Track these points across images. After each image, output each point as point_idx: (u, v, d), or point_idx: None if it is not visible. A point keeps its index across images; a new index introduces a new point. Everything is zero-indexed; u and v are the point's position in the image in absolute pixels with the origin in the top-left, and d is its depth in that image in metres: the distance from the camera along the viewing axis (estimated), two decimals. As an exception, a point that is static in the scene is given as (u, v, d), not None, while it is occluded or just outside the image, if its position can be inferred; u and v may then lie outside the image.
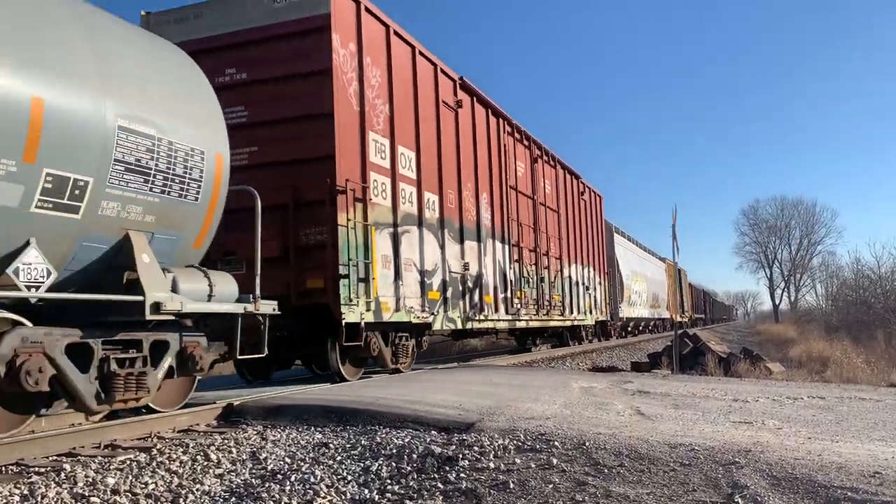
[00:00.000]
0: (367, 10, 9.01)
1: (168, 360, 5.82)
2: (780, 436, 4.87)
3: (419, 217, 10.08)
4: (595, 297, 21.14)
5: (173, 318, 5.68)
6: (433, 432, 5.16)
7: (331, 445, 4.91)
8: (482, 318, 12.01)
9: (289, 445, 5.02)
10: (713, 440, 4.56)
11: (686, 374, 13.24)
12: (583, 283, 19.51)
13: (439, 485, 3.81)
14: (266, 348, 6.65)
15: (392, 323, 9.17)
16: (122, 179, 5.24)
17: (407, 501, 3.61)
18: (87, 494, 3.82)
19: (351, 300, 8.05)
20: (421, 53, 10.48)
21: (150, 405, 6.00)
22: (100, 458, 4.70)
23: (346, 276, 7.99)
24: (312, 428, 5.63)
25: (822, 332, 32.21)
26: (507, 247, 13.46)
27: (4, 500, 3.72)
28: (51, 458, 4.68)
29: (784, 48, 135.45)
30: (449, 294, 10.78)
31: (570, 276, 18.14)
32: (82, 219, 5.04)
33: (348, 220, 8.17)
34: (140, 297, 5.28)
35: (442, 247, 10.72)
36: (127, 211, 5.37)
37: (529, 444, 4.57)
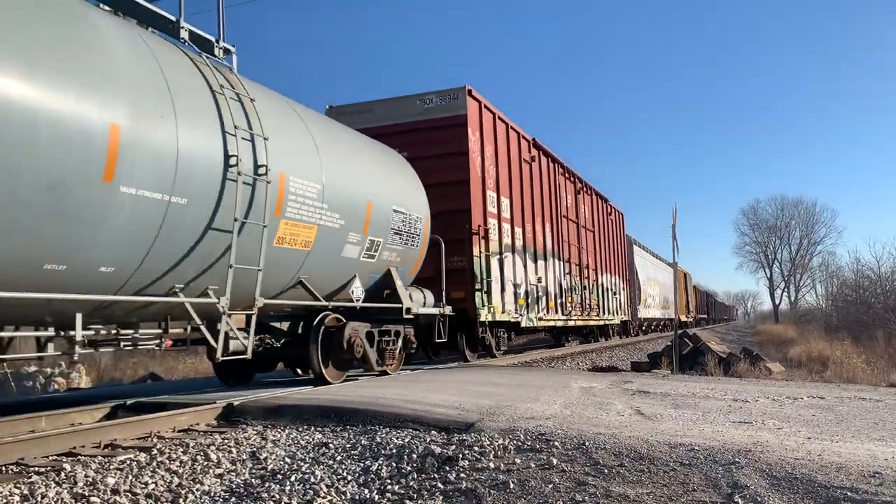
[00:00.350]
0: (485, 106, 13.10)
1: (400, 342, 9.60)
2: (780, 436, 4.87)
3: (512, 246, 14.02)
4: (620, 300, 25.10)
5: (412, 316, 9.51)
6: (433, 432, 5.16)
7: (331, 445, 4.91)
8: (548, 318, 16.44)
9: (289, 445, 5.02)
10: (713, 440, 4.57)
11: (686, 374, 13.25)
12: (611, 289, 23.47)
13: (439, 485, 3.81)
14: (446, 335, 10.86)
15: (500, 322, 13.24)
16: (391, 239, 9.11)
17: (407, 501, 3.61)
18: (87, 494, 3.82)
19: (482, 306, 12.04)
20: (511, 127, 14.57)
21: (387, 370, 9.38)
22: (100, 457, 4.70)
23: (479, 290, 12.00)
24: (312, 428, 5.64)
25: (822, 332, 32.22)
26: (560, 263, 17.68)
27: (4, 500, 3.72)
28: (51, 458, 4.68)
29: (784, 48, 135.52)
30: (529, 301, 14.93)
31: (602, 284, 22.12)
32: (375, 262, 8.94)
33: (478, 252, 12.20)
34: (400, 304, 9.20)
35: (525, 267, 14.74)
36: (391, 256, 9.24)
37: (529, 444, 4.57)
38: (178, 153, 5.62)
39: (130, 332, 6.12)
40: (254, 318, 6.93)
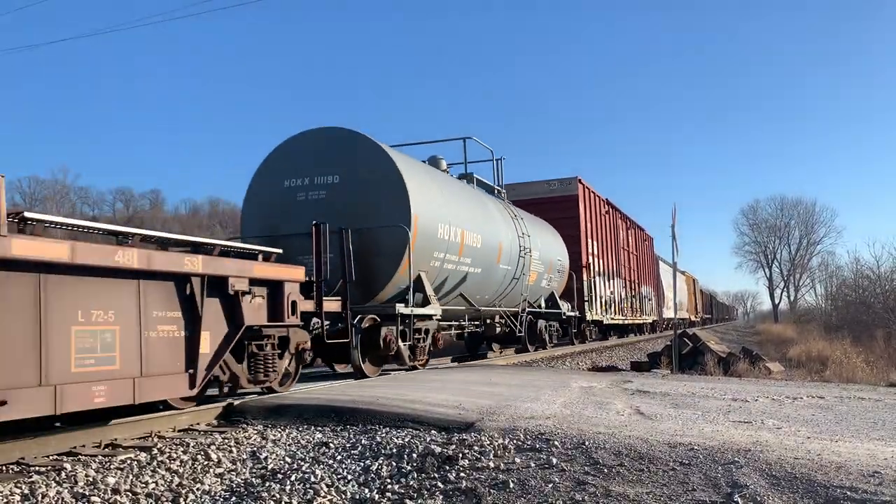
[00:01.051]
0: (586, 187, 22.09)
1: (559, 329, 19.05)
2: (780, 435, 4.88)
3: (598, 272, 22.64)
4: (652, 304, 34.51)
5: (565, 316, 18.86)
6: (433, 432, 5.17)
7: (331, 445, 4.92)
8: (617, 318, 25.60)
9: (289, 445, 5.03)
10: (713, 440, 4.57)
11: (686, 373, 13.24)
12: (647, 297, 32.91)
13: (439, 484, 3.82)
14: (575, 328, 20.60)
15: (595, 320, 22.31)
16: (555, 275, 18.00)
17: (407, 501, 3.61)
18: (87, 494, 3.82)
19: (588, 310, 20.95)
20: (597, 195, 23.56)
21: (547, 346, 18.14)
22: (100, 457, 4.70)
23: (587, 301, 20.94)
24: (313, 427, 5.64)
25: (822, 332, 32.23)
26: (620, 280, 26.60)
27: (5, 500, 3.73)
28: (51, 458, 4.68)
29: (784, 48, 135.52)
30: (607, 307, 24.04)
31: (641, 293, 31.25)
32: (549, 287, 17.85)
33: (585, 277, 20.82)
34: (560, 310, 18.23)
35: (604, 285, 23.60)
36: (553, 283, 18.08)
37: (529, 443, 4.57)
38: (511, 247, 14.36)
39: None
40: (523, 315, 15.77)
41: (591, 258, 21.58)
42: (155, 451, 4.89)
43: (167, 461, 4.57)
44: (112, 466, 4.45)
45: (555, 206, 20.10)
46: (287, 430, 5.57)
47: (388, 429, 5.38)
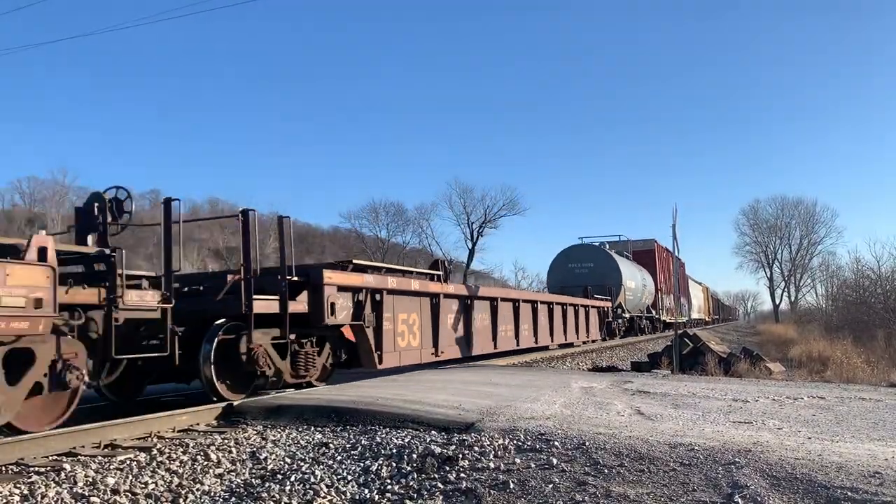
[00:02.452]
0: (657, 244, 37.14)
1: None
2: (780, 436, 4.87)
3: (664, 291, 37.17)
4: (685, 309, 45.73)
5: (665, 320, 37.13)
6: (433, 432, 5.16)
7: (331, 445, 4.91)
8: (671, 318, 35.63)
9: (289, 445, 5.02)
10: (713, 440, 4.56)
11: (686, 374, 13.23)
12: (683, 304, 43.75)
13: (439, 485, 3.81)
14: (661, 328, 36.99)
15: (662, 320, 36.86)
16: (649, 295, 34.23)
17: (407, 501, 3.61)
18: (87, 494, 3.82)
19: (658, 314, 36.70)
20: (662, 246, 36.68)
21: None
22: (100, 457, 4.70)
23: (659, 309, 36.78)
24: (312, 428, 5.64)
25: (823, 332, 32.23)
26: (672, 295, 37.13)
27: (4, 500, 3.73)
28: (51, 458, 4.68)
29: (784, 48, 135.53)
30: (668, 311, 37.21)
31: (680, 301, 40.74)
32: (644, 300, 33.70)
33: (657, 296, 36.90)
34: (653, 314, 35.93)
35: (665, 298, 37.82)
36: (648, 300, 34.22)
37: (529, 444, 4.57)
38: (637, 282, 31.06)
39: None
40: (642, 315, 33.12)
41: (660, 284, 36.01)
42: (154, 451, 4.88)
43: (167, 461, 4.56)
44: (111, 467, 4.45)
45: (642, 255, 35.36)
46: (287, 431, 5.56)
47: (388, 429, 5.38)
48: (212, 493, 3.88)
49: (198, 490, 3.93)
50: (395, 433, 5.20)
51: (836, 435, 5.00)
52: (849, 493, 3.34)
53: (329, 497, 3.72)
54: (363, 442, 4.94)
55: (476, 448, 4.49)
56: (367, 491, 3.81)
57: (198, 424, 5.91)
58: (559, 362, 16.20)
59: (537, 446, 4.49)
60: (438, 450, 4.46)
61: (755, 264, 79.70)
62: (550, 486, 3.68)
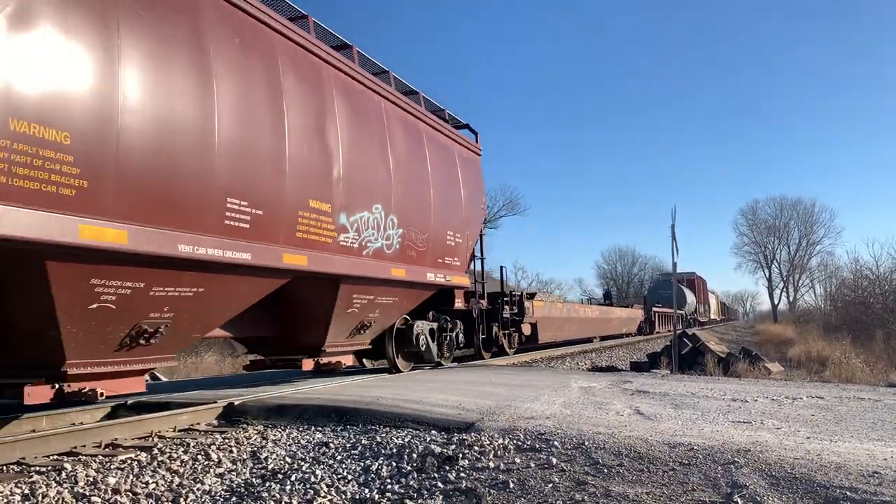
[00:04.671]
0: (697, 274, 62.77)
1: None
2: (779, 435, 4.88)
3: (702, 301, 62.86)
4: (708, 312, 64.93)
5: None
6: (433, 432, 5.17)
7: (331, 445, 4.92)
8: (705, 318, 63.02)
9: (289, 445, 5.03)
10: (712, 440, 4.58)
11: (685, 373, 13.25)
12: (706, 310, 64.60)
13: (439, 484, 3.82)
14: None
15: (702, 321, 59.82)
16: (699, 306, 61.44)
17: (407, 501, 3.62)
18: (87, 494, 3.83)
19: (699, 316, 59.82)
20: (699, 276, 63.47)
21: None
22: (101, 457, 4.71)
23: (699, 314, 59.41)
24: (313, 427, 5.65)
25: (821, 333, 32.24)
26: (704, 304, 63.66)
27: (5, 500, 3.73)
28: (52, 458, 4.69)
29: (784, 47, 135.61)
30: (703, 313, 62.35)
31: (704, 306, 63.14)
32: (702, 310, 63.74)
33: (699, 306, 61.04)
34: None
35: (702, 307, 62.63)
36: (701, 309, 62.89)
37: (529, 443, 4.58)
38: (693, 300, 60.07)
39: None
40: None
41: (698, 298, 56.79)
42: (155, 451, 4.89)
43: (167, 461, 4.57)
44: (112, 466, 4.46)
45: (688, 281, 55.36)
46: (287, 430, 5.57)
47: (388, 429, 5.39)
48: (212, 493, 3.88)
49: (198, 490, 3.94)
50: (395, 433, 5.21)
51: (835, 435, 5.01)
52: (848, 493, 3.36)
53: (329, 496, 3.73)
54: (363, 441, 4.95)
55: (476, 448, 4.50)
56: (367, 490, 3.82)
57: (198, 424, 5.92)
58: (559, 362, 16.21)
59: (537, 446, 4.50)
60: (438, 449, 4.47)
61: (754, 264, 79.88)
62: (550, 485, 3.69)
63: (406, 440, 4.90)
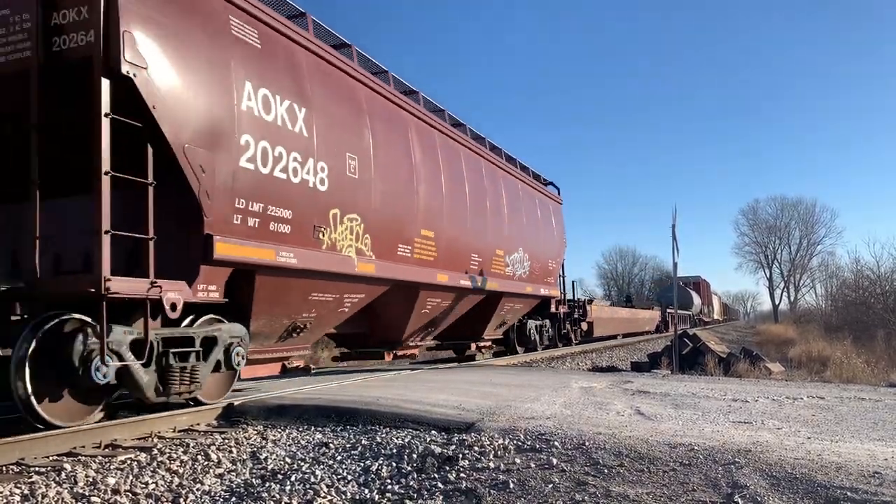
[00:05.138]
0: (701, 278, 73.12)
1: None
2: (780, 436, 4.87)
3: (707, 303, 73.72)
4: (714, 312, 77.19)
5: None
6: (433, 432, 5.17)
7: (331, 445, 4.92)
8: (713, 318, 76.35)
9: (289, 445, 5.03)
10: (713, 440, 4.57)
11: (686, 374, 13.24)
12: (712, 310, 75.63)
13: (439, 484, 3.82)
14: None
15: (712, 319, 75.82)
16: (703, 307, 70.98)
17: (407, 501, 3.61)
18: (87, 494, 3.82)
19: (705, 316, 70.41)
20: (704, 279, 76.43)
21: None
22: (100, 457, 4.70)
23: (705, 314, 72.10)
24: (313, 428, 5.64)
25: (822, 333, 32.22)
26: (709, 305, 74.47)
27: (5, 500, 3.73)
28: (51, 458, 4.68)
29: (784, 47, 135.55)
30: (707, 313, 73.20)
31: (708, 307, 72.77)
32: (706, 310, 76.94)
33: (703, 309, 71.74)
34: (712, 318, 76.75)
35: (707, 307, 72.54)
36: (705, 311, 71.99)
37: (529, 444, 4.57)
38: (698, 304, 67.25)
39: None
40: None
41: (703, 300, 63.25)
42: (155, 451, 4.89)
43: (167, 461, 4.56)
44: (112, 467, 4.45)
45: (694, 284, 62.45)
46: (287, 431, 5.57)
47: (388, 429, 5.38)
48: (212, 493, 3.88)
49: (198, 490, 3.93)
50: (395, 433, 5.20)
51: (836, 435, 5.00)
52: (848, 493, 3.35)
53: (329, 497, 3.72)
54: (363, 442, 4.95)
55: (476, 448, 4.49)
56: (367, 491, 3.81)
57: (198, 424, 5.91)
58: (559, 362, 16.20)
59: (537, 446, 4.50)
60: (438, 450, 4.47)
61: (755, 264, 79.96)
62: (550, 485, 3.68)
63: (406, 440, 4.89)
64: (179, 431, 5.67)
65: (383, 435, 5.15)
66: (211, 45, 6.08)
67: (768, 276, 78.97)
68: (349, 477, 4.09)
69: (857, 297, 38.37)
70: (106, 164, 5.06)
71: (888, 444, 4.63)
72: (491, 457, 4.29)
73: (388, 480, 3.99)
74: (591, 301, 24.13)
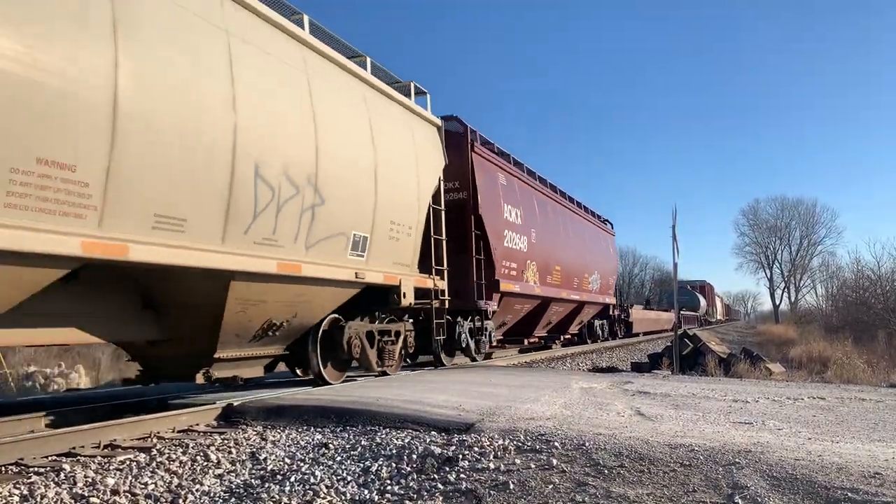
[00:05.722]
0: (706, 282, 76.87)
1: None
2: (781, 436, 4.86)
3: (711, 304, 76.63)
4: (717, 313, 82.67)
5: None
6: (433, 433, 5.16)
7: (330, 446, 4.91)
8: (718, 318, 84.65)
9: (288, 446, 5.02)
10: (713, 441, 4.56)
11: (686, 374, 13.23)
12: (716, 312, 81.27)
13: (439, 485, 3.81)
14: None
15: (708, 319, 74.45)
16: (708, 308, 77.79)
17: (407, 502, 3.60)
18: (86, 495, 3.82)
19: (710, 317, 76.54)
20: (708, 283, 78.70)
21: None
22: (99, 458, 4.70)
23: (709, 315, 77.99)
24: (312, 428, 5.63)
25: (823, 333, 32.21)
26: (712, 306, 77.10)
27: (4, 501, 3.72)
28: (50, 458, 4.68)
29: (783, 47, 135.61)
30: (711, 314, 76.79)
31: (712, 308, 76.60)
32: (714, 310, 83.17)
33: (707, 310, 77.42)
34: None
35: (712, 308, 79.51)
36: (711, 310, 78.25)
37: (529, 444, 4.56)
38: (703, 306, 72.15)
39: None
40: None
41: (709, 301, 69.92)
42: (154, 451, 4.88)
43: (166, 462, 4.56)
44: (111, 467, 4.44)
45: (700, 288, 67.23)
46: (286, 431, 5.56)
47: (387, 430, 5.37)
48: (211, 494, 3.87)
49: (197, 490, 3.92)
50: (395, 434, 5.19)
51: (837, 435, 4.99)
52: (849, 494, 3.34)
53: (329, 497, 3.72)
54: (363, 442, 4.94)
55: (476, 449, 4.49)
56: (366, 491, 3.80)
57: (197, 425, 5.91)
58: (559, 363, 16.20)
59: (537, 447, 4.49)
60: (438, 450, 4.46)
61: (755, 265, 79.93)
62: (550, 486, 3.67)
63: (406, 441, 4.88)
64: (178, 432, 5.66)
65: (383, 435, 5.14)
66: (496, 194, 13.14)
67: (769, 276, 79.00)
68: (349, 478, 4.08)
69: (858, 298, 38.34)
70: (473, 251, 12.02)
71: (889, 445, 4.62)
72: (491, 457, 4.28)
73: (388, 481, 3.98)
74: (632, 306, 32.60)
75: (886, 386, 9.99)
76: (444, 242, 10.71)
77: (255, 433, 5.55)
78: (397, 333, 9.86)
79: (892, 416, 6.05)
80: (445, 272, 10.69)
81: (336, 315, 8.51)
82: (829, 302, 53.71)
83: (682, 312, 50.06)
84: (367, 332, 9.07)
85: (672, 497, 3.43)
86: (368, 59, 9.03)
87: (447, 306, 10.79)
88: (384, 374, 9.46)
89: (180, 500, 3.75)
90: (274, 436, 5.39)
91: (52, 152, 4.56)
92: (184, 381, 6.95)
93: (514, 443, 4.61)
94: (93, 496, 3.79)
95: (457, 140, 12.08)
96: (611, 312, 24.57)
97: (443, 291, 10.53)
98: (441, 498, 3.63)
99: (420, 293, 9.84)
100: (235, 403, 6.38)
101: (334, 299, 8.12)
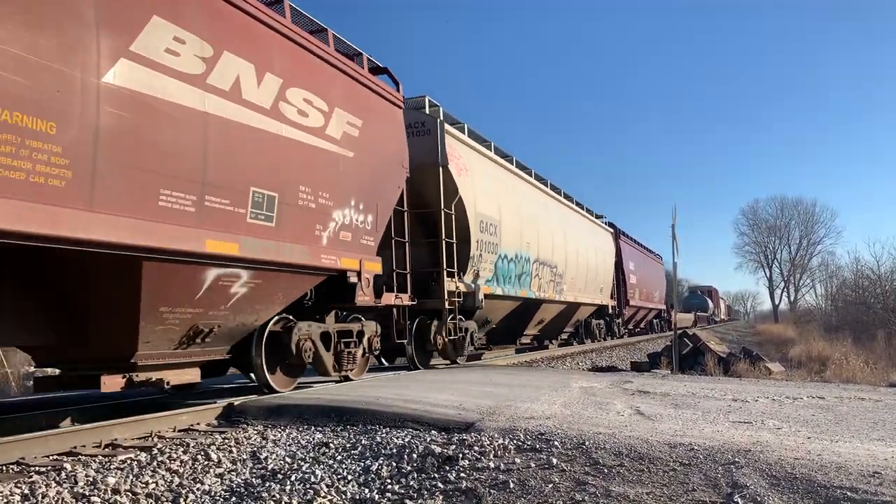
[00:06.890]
0: (712, 287, 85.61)
1: None
2: (780, 436, 4.87)
3: (715, 308, 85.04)
4: (720, 313, 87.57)
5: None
6: (433, 432, 5.16)
7: (331, 445, 4.92)
8: (720, 317, 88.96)
9: (289, 445, 5.03)
10: (713, 440, 4.57)
11: (686, 374, 13.25)
12: (718, 311, 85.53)
13: (439, 484, 3.82)
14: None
15: (714, 319, 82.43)
16: (713, 307, 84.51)
17: (407, 501, 3.62)
18: (87, 494, 3.82)
19: (715, 315, 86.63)
20: (713, 288, 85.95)
21: None
22: (100, 457, 4.70)
23: (714, 314, 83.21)
24: (313, 428, 5.64)
25: (822, 333, 32.23)
26: (714, 303, 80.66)
27: (5, 500, 3.73)
28: (51, 458, 4.69)
29: (783, 47, 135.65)
30: (717, 314, 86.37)
31: (717, 309, 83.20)
32: (712, 311, 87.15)
33: (714, 311, 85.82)
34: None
35: (717, 307, 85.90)
36: (716, 309, 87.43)
37: (529, 443, 4.57)
38: (712, 308, 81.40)
39: None
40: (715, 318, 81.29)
41: (715, 303, 78.92)
42: (155, 451, 4.89)
43: (167, 461, 4.56)
44: (112, 466, 4.45)
45: (709, 292, 77.24)
46: (287, 431, 5.57)
47: (388, 429, 5.38)
48: (212, 493, 3.88)
49: (198, 490, 3.93)
50: (395, 433, 5.20)
51: (836, 435, 5.00)
52: (848, 493, 3.35)
53: (329, 497, 3.73)
54: (363, 442, 4.95)
55: (476, 448, 4.49)
56: (367, 491, 3.81)
57: (198, 424, 5.92)
58: (559, 362, 16.21)
59: (537, 446, 4.50)
60: (438, 449, 4.47)
61: (755, 264, 79.94)
62: (550, 485, 3.68)
63: (406, 440, 4.89)
64: (179, 431, 5.67)
65: (383, 435, 5.15)
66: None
67: (768, 275, 79.02)
68: (349, 477, 4.09)
69: (857, 297, 38.38)
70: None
71: (888, 444, 4.63)
72: (491, 456, 4.29)
73: (389, 480, 3.99)
74: (671, 306, 36.69)
75: (885, 385, 10.00)
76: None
77: (255, 432, 5.56)
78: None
79: (890, 415, 6.06)
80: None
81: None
82: (828, 301, 53.78)
83: (697, 314, 60.11)
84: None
85: (672, 496, 3.44)
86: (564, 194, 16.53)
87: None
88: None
89: (181, 500, 3.76)
90: (274, 435, 5.40)
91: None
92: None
93: (514, 442, 4.62)
94: (94, 495, 3.80)
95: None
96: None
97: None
98: (441, 497, 3.64)
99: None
100: (236, 403, 6.39)
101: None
